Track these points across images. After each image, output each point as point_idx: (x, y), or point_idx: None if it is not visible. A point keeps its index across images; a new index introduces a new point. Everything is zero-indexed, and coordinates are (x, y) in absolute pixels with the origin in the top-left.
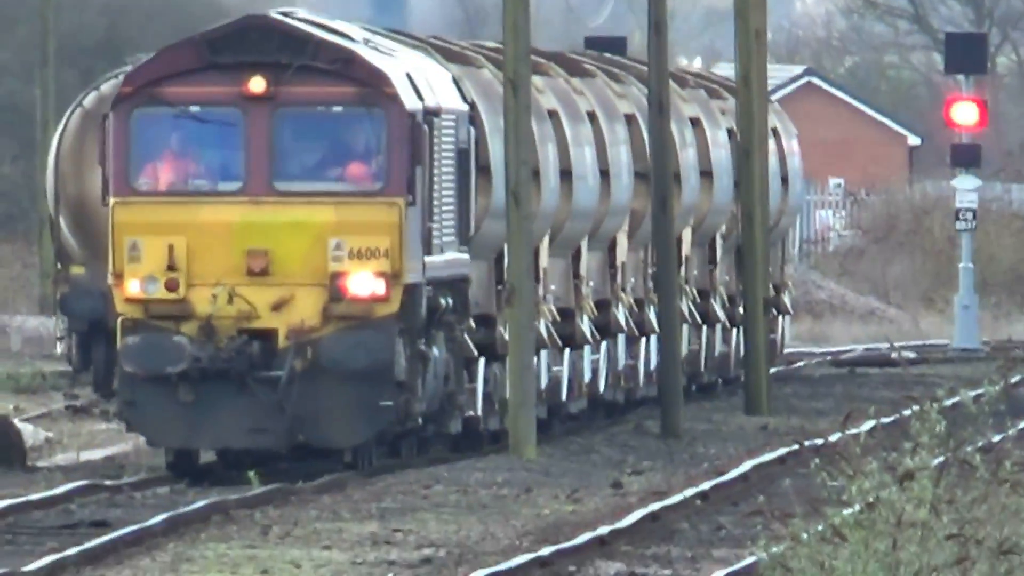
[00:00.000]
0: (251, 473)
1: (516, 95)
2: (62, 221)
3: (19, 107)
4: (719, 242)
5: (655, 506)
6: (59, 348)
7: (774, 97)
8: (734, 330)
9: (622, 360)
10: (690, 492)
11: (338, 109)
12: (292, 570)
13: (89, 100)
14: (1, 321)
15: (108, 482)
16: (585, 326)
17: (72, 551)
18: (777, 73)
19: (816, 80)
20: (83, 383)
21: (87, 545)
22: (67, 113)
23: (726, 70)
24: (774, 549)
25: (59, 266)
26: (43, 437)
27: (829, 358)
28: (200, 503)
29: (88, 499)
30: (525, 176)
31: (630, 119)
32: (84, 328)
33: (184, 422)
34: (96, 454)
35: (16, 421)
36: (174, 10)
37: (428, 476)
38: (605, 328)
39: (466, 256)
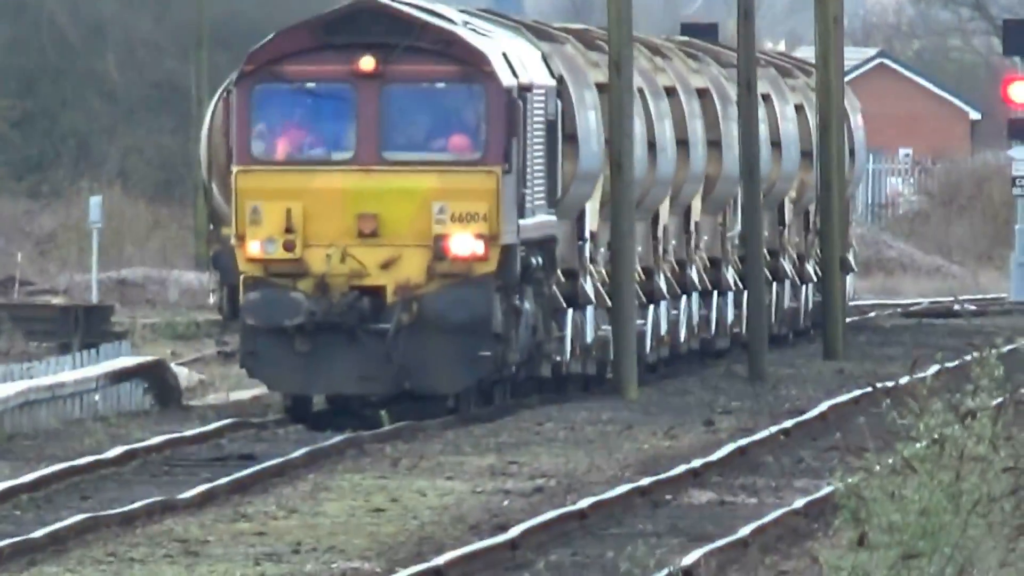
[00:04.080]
0: (383, 412)
1: (620, 76)
2: (214, 187)
3: (176, 85)
4: (788, 206)
5: (743, 441)
6: (211, 299)
7: (850, 77)
8: (803, 287)
9: (696, 314)
10: (774, 429)
11: (441, 85)
12: (418, 498)
13: None
14: (160, 275)
15: (254, 419)
16: (663, 283)
17: (222, 481)
18: (852, 55)
19: (888, 61)
20: (233, 331)
21: (236, 475)
22: (219, 90)
23: (807, 53)
24: (849, 479)
25: (211, 227)
26: (196, 379)
27: (899, 310)
28: (337, 438)
29: (237, 435)
30: (627, 147)
31: (703, 92)
32: (234, 282)
33: (300, 370)
34: (244, 394)
35: (173, 364)
36: None
37: (540, 415)
38: (683, 284)
39: (554, 218)
